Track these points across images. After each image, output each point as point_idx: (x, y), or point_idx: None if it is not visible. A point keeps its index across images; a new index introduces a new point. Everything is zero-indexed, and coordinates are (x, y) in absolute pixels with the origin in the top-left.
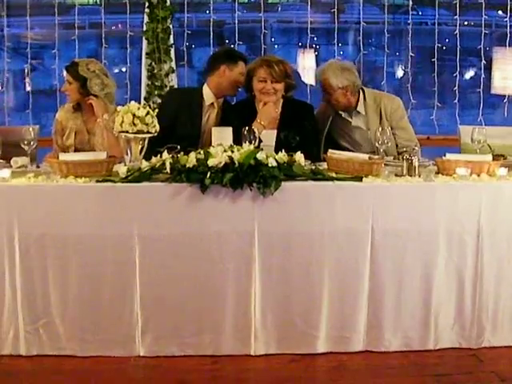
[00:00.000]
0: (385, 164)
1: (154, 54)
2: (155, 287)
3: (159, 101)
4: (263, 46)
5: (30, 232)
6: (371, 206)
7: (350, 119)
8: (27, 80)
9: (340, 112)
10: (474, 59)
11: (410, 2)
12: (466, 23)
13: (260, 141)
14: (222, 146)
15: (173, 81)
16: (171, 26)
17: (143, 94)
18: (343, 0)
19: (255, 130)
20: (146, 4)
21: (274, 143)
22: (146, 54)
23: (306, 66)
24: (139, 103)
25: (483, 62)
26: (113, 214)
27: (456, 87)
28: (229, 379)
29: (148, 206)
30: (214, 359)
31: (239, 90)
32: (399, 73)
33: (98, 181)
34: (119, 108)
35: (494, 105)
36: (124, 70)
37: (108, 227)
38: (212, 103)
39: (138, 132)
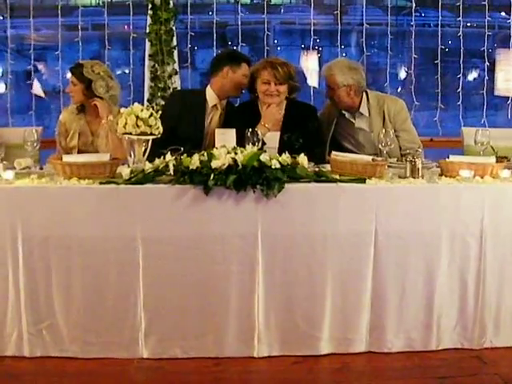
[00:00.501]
0: (388, 166)
1: (157, 55)
2: (158, 289)
3: (162, 102)
4: (266, 47)
5: (33, 233)
6: (374, 208)
7: (353, 120)
8: (35, 82)
9: (344, 112)
10: (478, 61)
11: (413, 4)
12: (469, 25)
13: (263, 143)
14: (225, 147)
15: (176, 82)
16: (174, 28)
17: (146, 95)
18: (346, 2)
19: (259, 132)
20: (149, 6)
21: (277, 145)
22: (149, 55)
23: (309, 67)
24: (142, 105)
25: (486, 63)
26: (116, 216)
27: (459, 89)
28: (232, 381)
29: (151, 208)
30: (217, 361)
31: (242, 91)
32: (402, 74)
33: (101, 182)
34: (123, 110)
35: (497, 106)
36: (127, 71)
37: (111, 229)
38: (215, 105)
39: (142, 134)
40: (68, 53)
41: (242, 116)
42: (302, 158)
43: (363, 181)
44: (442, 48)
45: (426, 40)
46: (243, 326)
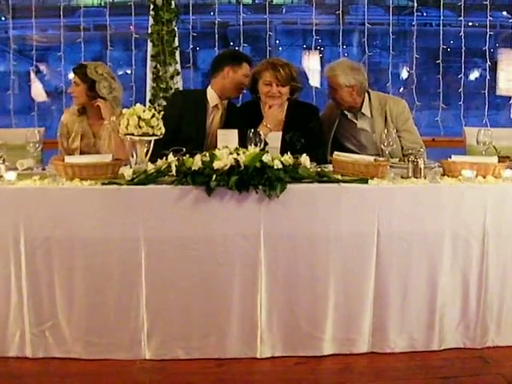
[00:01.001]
0: (390, 166)
1: (159, 56)
2: (161, 290)
3: (164, 103)
4: (268, 47)
5: (35, 234)
6: (377, 208)
7: (355, 121)
8: (34, 86)
9: (346, 113)
10: (479, 60)
11: (415, 4)
12: (470, 24)
13: (265, 143)
14: (227, 148)
15: (178, 83)
16: (176, 28)
17: (148, 96)
18: (348, 1)
19: (261, 133)
20: (151, 6)
21: (279, 145)
22: (151, 56)
23: (311, 67)
24: (144, 105)
25: (488, 63)
26: (118, 217)
27: (461, 88)
28: (234, 382)
29: (154, 209)
30: (220, 362)
31: (244, 91)
32: (404, 74)
33: (103, 183)
34: (125, 111)
35: (499, 106)
36: (129, 72)
37: (113, 230)
38: (216, 105)
39: (144, 134)
40: (70, 53)
41: (244, 116)
42: (304, 159)
43: (365, 181)
44: (443, 48)
45: (427, 40)
46: (246, 326)
